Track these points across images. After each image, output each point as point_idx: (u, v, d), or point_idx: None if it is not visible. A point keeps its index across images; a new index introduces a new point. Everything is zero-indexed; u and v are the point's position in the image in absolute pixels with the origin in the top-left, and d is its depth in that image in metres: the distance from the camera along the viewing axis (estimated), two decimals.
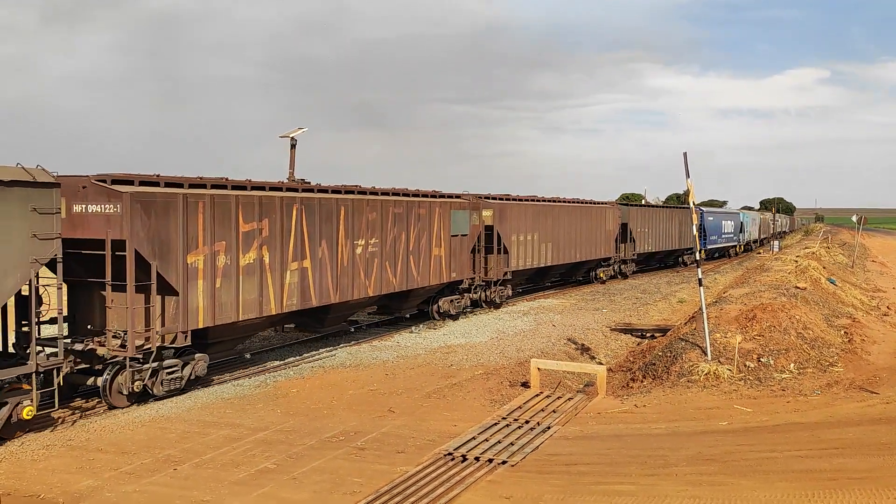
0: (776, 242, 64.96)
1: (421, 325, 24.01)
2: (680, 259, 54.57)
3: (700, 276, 17.13)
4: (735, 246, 64.26)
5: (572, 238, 34.11)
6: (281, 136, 20.77)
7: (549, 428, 12.18)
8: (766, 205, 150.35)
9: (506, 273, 27.91)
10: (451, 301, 25.01)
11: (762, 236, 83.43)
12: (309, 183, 18.65)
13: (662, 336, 21.47)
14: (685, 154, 16.27)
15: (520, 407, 13.56)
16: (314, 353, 19.61)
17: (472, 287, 26.15)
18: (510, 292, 29.18)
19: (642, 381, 15.94)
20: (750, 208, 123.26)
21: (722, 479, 9.06)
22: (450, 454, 10.66)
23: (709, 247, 52.05)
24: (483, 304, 27.69)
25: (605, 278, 38.99)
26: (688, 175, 16.42)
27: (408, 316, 24.59)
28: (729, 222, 60.99)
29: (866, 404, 12.45)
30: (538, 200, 31.43)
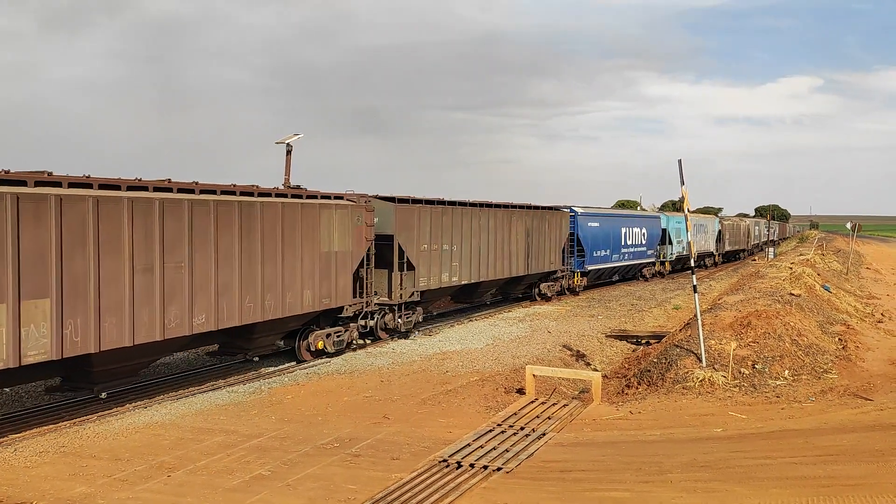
0: (771, 249, 63.67)
1: (417, 332, 23.85)
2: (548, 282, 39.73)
3: (695, 283, 17.16)
4: (650, 264, 46.17)
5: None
6: (277, 143, 20.78)
7: (544, 434, 12.17)
8: (761, 212, 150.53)
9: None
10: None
11: (734, 248, 66.50)
12: (306, 189, 18.64)
13: (657, 343, 21.50)
14: (680, 161, 16.33)
15: (515, 413, 13.55)
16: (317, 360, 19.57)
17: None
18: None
19: (637, 388, 15.96)
20: (745, 215, 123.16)
21: (716, 485, 9.06)
22: (445, 461, 10.64)
23: (588, 266, 36.18)
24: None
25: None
26: (682, 182, 16.48)
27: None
28: (638, 230, 43.16)
29: (860, 411, 12.48)
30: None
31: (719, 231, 59.27)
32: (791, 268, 36.55)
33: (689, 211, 18.14)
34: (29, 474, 10.35)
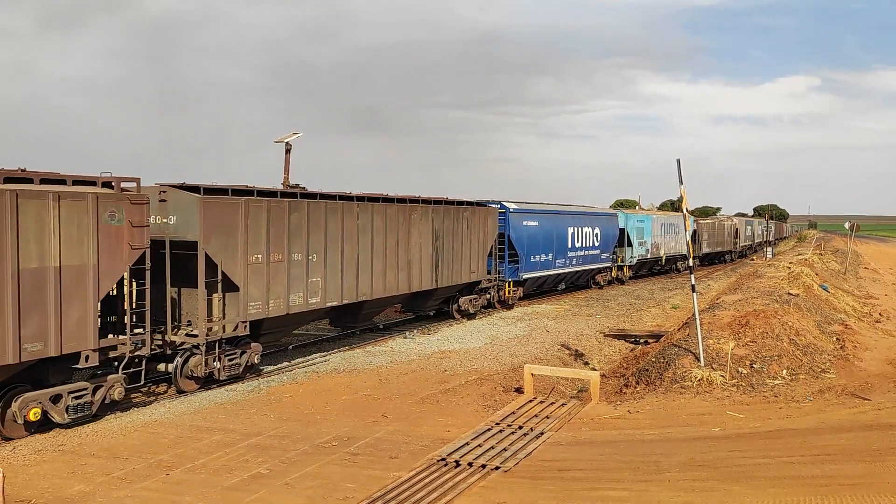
0: (769, 249, 63.39)
1: (415, 331, 23.95)
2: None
3: (693, 283, 17.18)
4: (604, 269, 39.86)
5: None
6: (276, 142, 20.79)
7: (542, 433, 12.19)
8: (759, 211, 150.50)
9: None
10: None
11: (715, 249, 60.00)
12: (305, 189, 18.64)
13: (656, 342, 21.52)
14: (678, 161, 16.35)
15: (513, 412, 13.56)
16: (308, 357, 19.58)
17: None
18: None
19: (636, 387, 15.98)
20: (744, 215, 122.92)
21: (714, 484, 9.08)
22: (443, 459, 10.65)
23: (523, 274, 30.22)
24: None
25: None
26: (681, 182, 16.49)
27: None
28: (589, 230, 36.69)
29: (858, 411, 12.50)
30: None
31: (695, 231, 53.62)
32: (789, 267, 36.61)
33: (687, 210, 18.16)
34: (27, 472, 10.35)
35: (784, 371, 15.26)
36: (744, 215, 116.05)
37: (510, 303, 29.87)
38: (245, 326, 16.08)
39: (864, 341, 19.14)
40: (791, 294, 24.53)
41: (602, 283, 39.85)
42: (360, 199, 19.97)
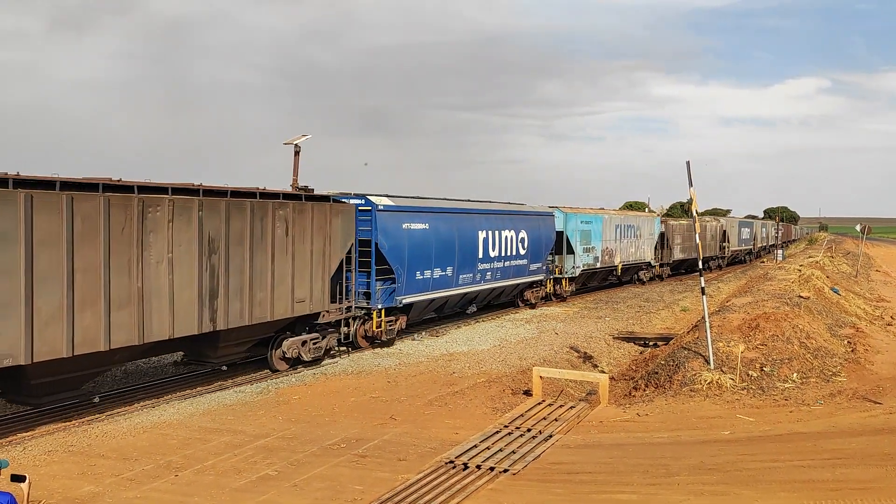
0: (780, 251, 62.32)
1: (423, 332, 23.94)
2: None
3: (703, 285, 17.11)
4: (535, 283, 31.09)
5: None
6: (285, 143, 20.84)
7: (551, 436, 12.15)
8: (769, 213, 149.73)
9: None
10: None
11: (689, 256, 49.80)
12: (312, 191, 18.66)
13: (665, 345, 21.45)
14: (688, 163, 16.29)
15: (522, 415, 13.53)
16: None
17: None
18: None
19: (645, 390, 15.93)
20: (754, 217, 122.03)
21: (724, 488, 9.03)
22: (451, 462, 10.64)
23: (403, 298, 21.61)
24: None
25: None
26: (691, 184, 16.43)
27: None
28: (510, 235, 28.03)
29: (869, 414, 12.41)
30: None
31: (661, 234, 45.91)
32: (800, 270, 36.43)
33: (697, 213, 18.10)
34: (37, 473, 10.40)
35: (794, 374, 15.17)
36: (754, 217, 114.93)
37: (388, 339, 21.28)
38: None
39: (875, 344, 19.01)
40: (801, 297, 24.40)
41: (533, 301, 31.22)
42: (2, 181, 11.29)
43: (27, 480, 5.29)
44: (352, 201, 19.84)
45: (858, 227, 50.74)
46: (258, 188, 16.36)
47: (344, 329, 19.90)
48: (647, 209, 78.89)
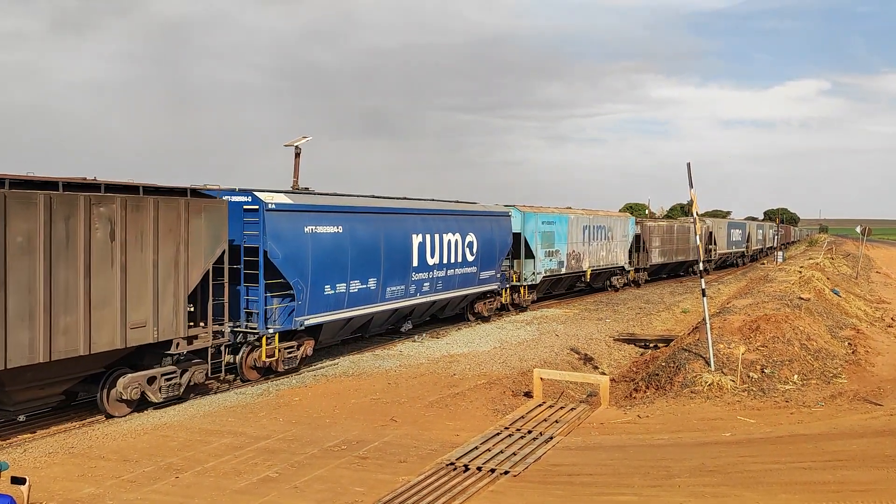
0: (780, 253, 62.20)
1: (424, 334, 23.89)
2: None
3: (703, 287, 17.11)
4: (488, 294, 27.21)
5: None
6: (286, 145, 20.88)
7: (551, 438, 12.15)
8: (769, 215, 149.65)
9: None
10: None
11: (670, 260, 47.21)
12: (314, 192, 18.68)
13: (666, 346, 21.45)
14: (689, 165, 16.30)
15: (522, 417, 13.53)
16: (317, 361, 19.61)
17: None
18: None
19: (645, 392, 15.93)
20: (754, 218, 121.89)
21: (725, 490, 9.03)
22: (452, 464, 10.64)
23: (306, 318, 17.58)
24: None
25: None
26: (691, 185, 16.44)
27: None
28: (455, 238, 24.19)
29: (870, 416, 12.40)
30: None
31: (636, 236, 42.51)
32: (800, 272, 36.43)
33: (697, 215, 18.09)
34: (38, 475, 10.40)
35: (795, 376, 15.17)
36: (754, 219, 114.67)
37: (280, 368, 17.34)
38: None
39: (876, 346, 19.01)
40: (802, 298, 24.39)
41: (485, 314, 27.34)
42: None
43: (27, 483, 5.31)
44: (235, 198, 16.45)
45: (859, 229, 50.72)
46: (75, 178, 12.39)
47: (229, 357, 16.24)
48: (647, 211, 78.68)
